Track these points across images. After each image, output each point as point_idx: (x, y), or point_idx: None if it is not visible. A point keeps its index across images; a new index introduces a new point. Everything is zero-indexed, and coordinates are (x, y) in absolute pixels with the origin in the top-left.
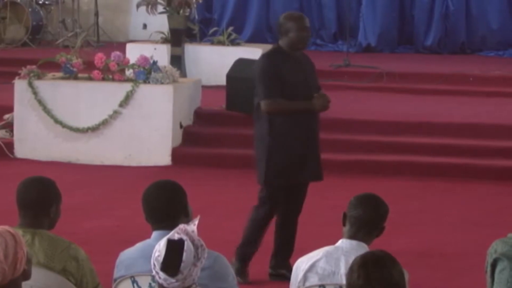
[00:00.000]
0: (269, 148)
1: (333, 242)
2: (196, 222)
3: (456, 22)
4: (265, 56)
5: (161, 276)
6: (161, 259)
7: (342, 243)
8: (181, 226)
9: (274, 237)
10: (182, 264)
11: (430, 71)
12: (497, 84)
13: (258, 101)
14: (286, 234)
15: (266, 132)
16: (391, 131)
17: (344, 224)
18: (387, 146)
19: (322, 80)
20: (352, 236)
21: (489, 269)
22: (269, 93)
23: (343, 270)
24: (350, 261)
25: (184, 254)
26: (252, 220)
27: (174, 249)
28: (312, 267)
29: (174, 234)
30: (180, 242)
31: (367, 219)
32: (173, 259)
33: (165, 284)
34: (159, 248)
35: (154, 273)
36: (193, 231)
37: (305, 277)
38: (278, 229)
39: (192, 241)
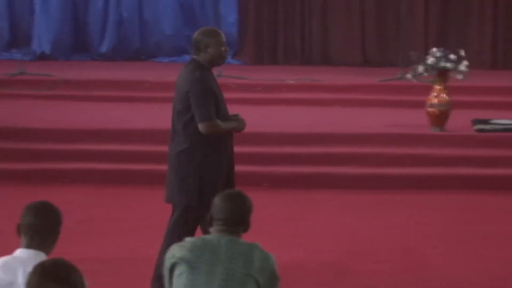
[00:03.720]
0: (199, 165)
1: None
2: None
3: (130, 29)
4: (198, 75)
5: None
6: None
7: (20, 252)
8: None
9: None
10: None
11: (106, 78)
12: (172, 90)
13: (185, 120)
14: None
15: (196, 149)
16: (69, 139)
17: (19, 235)
18: (66, 153)
19: None
20: (28, 245)
21: (167, 273)
22: (208, 115)
23: (20, 280)
24: (28, 270)
25: None
26: (171, 242)
27: None
28: None
29: None
30: None
31: (38, 226)
32: None
33: None
34: None
35: None
36: None
37: None
38: None
39: None
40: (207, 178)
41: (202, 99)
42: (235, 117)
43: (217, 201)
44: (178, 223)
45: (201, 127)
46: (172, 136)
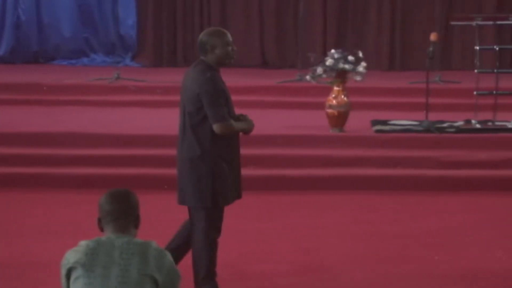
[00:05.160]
0: (213, 166)
1: None
2: None
3: (28, 31)
4: (209, 76)
5: None
6: None
7: None
8: None
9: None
10: None
11: (3, 81)
12: (72, 93)
13: (197, 121)
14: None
15: (209, 150)
16: None
17: None
18: None
19: None
20: None
21: (64, 280)
22: (222, 116)
23: None
24: None
25: None
26: (202, 248)
27: None
28: None
29: None
30: None
31: None
32: None
33: None
34: None
35: None
36: None
37: None
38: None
39: None
40: (221, 179)
41: (216, 100)
42: (244, 118)
43: (103, 202)
44: (199, 224)
45: (216, 127)
46: (181, 139)
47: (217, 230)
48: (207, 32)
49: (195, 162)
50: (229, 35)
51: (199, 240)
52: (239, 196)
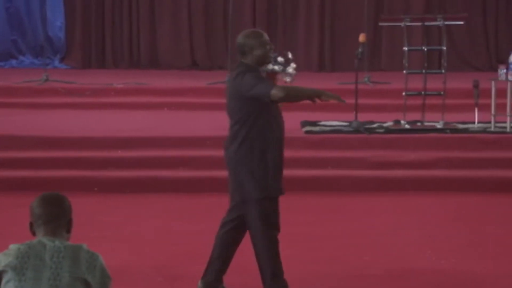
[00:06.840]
0: (262, 159)
1: None
2: None
3: None
4: (245, 70)
5: None
6: None
7: None
8: None
9: (221, 252)
10: None
11: None
12: (0, 95)
13: (243, 121)
14: (234, 251)
15: (256, 145)
16: None
17: None
18: None
19: None
20: None
21: None
22: (270, 84)
23: None
24: None
25: None
26: (267, 246)
27: None
28: None
29: None
30: None
31: None
32: None
33: None
34: None
35: None
36: None
37: None
38: (231, 245)
39: None
40: (273, 172)
41: (258, 78)
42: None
43: (34, 206)
44: (259, 218)
45: (274, 94)
46: (229, 141)
47: (274, 226)
48: (244, 35)
49: (244, 160)
50: (265, 35)
51: (259, 239)
52: (282, 192)
